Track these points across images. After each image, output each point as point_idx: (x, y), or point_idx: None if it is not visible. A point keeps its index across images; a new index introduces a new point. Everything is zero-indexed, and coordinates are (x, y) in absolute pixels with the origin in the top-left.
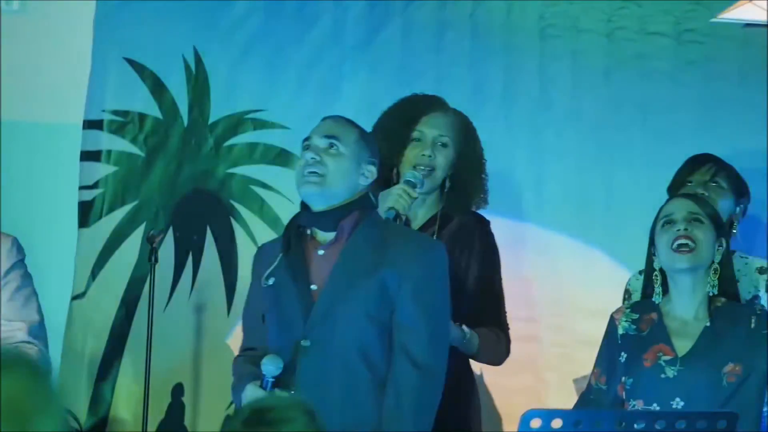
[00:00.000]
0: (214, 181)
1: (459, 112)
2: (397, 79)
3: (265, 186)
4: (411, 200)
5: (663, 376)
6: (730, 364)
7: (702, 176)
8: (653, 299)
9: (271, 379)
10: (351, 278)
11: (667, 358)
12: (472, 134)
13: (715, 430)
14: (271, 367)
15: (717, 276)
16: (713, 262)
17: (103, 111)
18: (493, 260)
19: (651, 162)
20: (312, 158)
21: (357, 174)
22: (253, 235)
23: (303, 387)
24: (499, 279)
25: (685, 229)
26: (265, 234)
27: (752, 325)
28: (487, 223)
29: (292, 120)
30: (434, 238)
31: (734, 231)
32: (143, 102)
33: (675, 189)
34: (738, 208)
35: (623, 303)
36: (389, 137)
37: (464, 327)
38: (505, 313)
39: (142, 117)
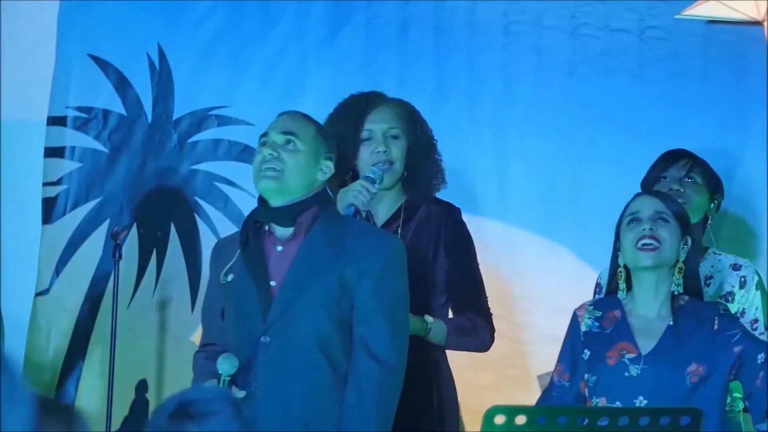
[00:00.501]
0: (178, 178)
1: (401, 101)
2: (361, 75)
3: (229, 182)
4: (370, 196)
5: (626, 374)
6: (694, 365)
7: (677, 171)
8: (618, 295)
9: (227, 378)
10: (310, 274)
11: (631, 356)
12: (419, 119)
13: (678, 426)
14: (226, 366)
15: (682, 274)
16: (678, 260)
17: (67, 107)
18: (467, 248)
19: (615, 158)
20: (269, 154)
21: (315, 169)
22: (217, 232)
23: (263, 383)
24: (476, 266)
25: (651, 229)
26: (230, 230)
27: (715, 327)
28: (458, 211)
29: (256, 116)
30: (399, 230)
31: (707, 228)
32: (107, 98)
33: (649, 184)
34: (712, 204)
35: (594, 297)
36: (339, 141)
37: (426, 317)
38: (486, 299)
39: (106, 113)
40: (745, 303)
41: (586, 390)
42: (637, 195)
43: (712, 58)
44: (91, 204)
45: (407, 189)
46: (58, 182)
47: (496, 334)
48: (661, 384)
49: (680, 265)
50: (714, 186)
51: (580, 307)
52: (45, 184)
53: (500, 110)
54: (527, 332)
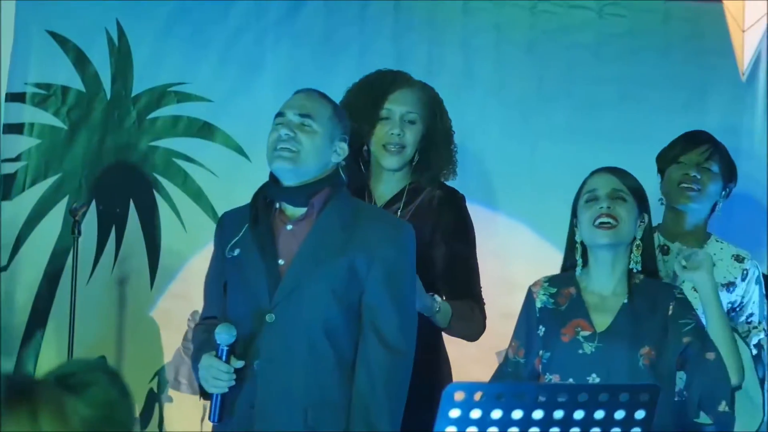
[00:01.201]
0: (137, 154)
1: (425, 85)
2: (320, 52)
3: (188, 159)
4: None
5: (580, 351)
6: (646, 347)
7: (697, 157)
8: (575, 271)
9: (225, 348)
10: (319, 256)
11: (586, 333)
12: (439, 106)
13: (637, 402)
14: (225, 335)
15: (640, 252)
16: (635, 238)
17: (26, 84)
18: (467, 235)
19: (574, 135)
20: (286, 134)
21: (330, 151)
22: (176, 208)
23: (266, 361)
24: (474, 254)
25: (608, 207)
26: (189, 207)
27: (669, 312)
28: (462, 197)
29: (216, 93)
30: (399, 212)
31: (717, 214)
32: (66, 75)
33: (665, 163)
34: (724, 192)
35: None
36: (357, 116)
37: (436, 297)
38: (480, 288)
39: (65, 90)
40: (744, 296)
41: (540, 366)
42: (595, 172)
43: (671, 35)
44: (50, 180)
45: (416, 172)
46: (17, 159)
47: None
48: (614, 363)
49: (638, 242)
50: (729, 174)
51: (535, 284)
52: (4, 161)
53: (460, 86)
54: (486, 309)
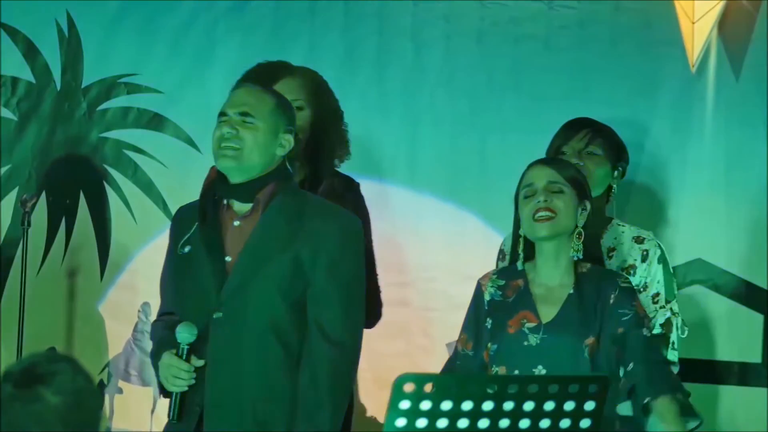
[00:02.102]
0: (87, 146)
1: (307, 71)
2: (271, 43)
3: (138, 150)
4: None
5: (526, 343)
6: (591, 338)
7: (577, 144)
8: (516, 264)
9: (186, 347)
10: (265, 252)
11: (531, 325)
12: (324, 88)
13: (587, 393)
14: (185, 334)
15: (581, 240)
16: (577, 226)
17: None
18: (364, 221)
19: (523, 126)
20: (228, 132)
21: (274, 145)
22: (126, 200)
23: (214, 359)
24: (370, 240)
25: (545, 201)
26: (139, 198)
27: (611, 301)
28: (357, 185)
29: (166, 84)
30: None
31: (611, 197)
32: (16, 66)
33: (551, 155)
34: (616, 172)
35: (497, 264)
36: None
37: None
38: (376, 275)
39: (14, 81)
40: (647, 277)
41: (488, 358)
42: (532, 165)
43: (621, 27)
44: (0, 171)
45: (309, 159)
46: None
47: (404, 303)
48: (559, 354)
49: (579, 230)
50: (616, 155)
51: (484, 276)
52: None
53: (409, 78)
54: (435, 300)
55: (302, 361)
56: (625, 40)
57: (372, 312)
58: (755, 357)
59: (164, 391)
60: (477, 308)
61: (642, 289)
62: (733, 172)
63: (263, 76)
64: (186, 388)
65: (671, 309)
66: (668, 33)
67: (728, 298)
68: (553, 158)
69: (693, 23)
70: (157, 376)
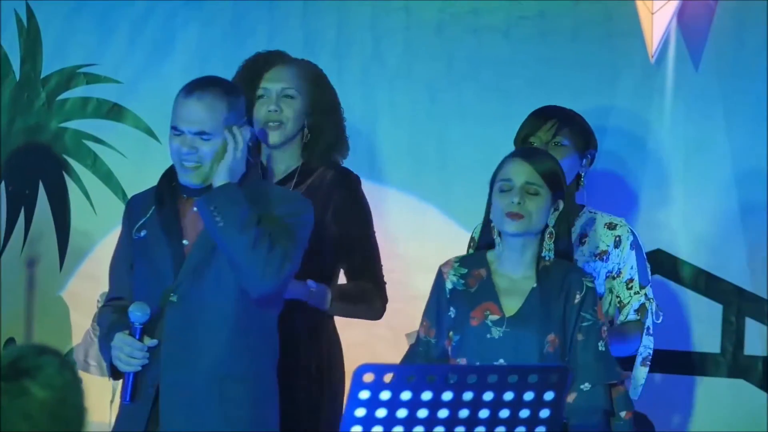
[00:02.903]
0: (46, 135)
1: (305, 62)
2: (230, 33)
3: (97, 140)
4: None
5: (488, 336)
6: (552, 334)
7: (544, 135)
8: (480, 252)
9: (139, 326)
10: None
11: (494, 318)
12: (322, 81)
13: (546, 383)
14: (138, 313)
15: (552, 239)
16: (548, 225)
17: None
18: (361, 216)
19: (484, 118)
20: (186, 152)
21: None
22: (85, 190)
23: (169, 340)
24: (370, 234)
25: (519, 203)
26: (98, 188)
27: (576, 300)
28: (355, 178)
29: (125, 74)
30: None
31: (580, 185)
32: None
33: (518, 145)
34: (584, 160)
35: (467, 252)
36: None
37: (309, 282)
38: (380, 267)
39: None
40: (620, 263)
41: (450, 348)
42: (512, 157)
43: (581, 18)
44: None
45: (307, 150)
46: None
47: None
48: (521, 348)
49: (550, 229)
50: (584, 143)
51: (446, 264)
52: None
53: (369, 68)
54: (395, 290)
55: None
56: (585, 31)
57: (378, 304)
58: (714, 347)
59: (116, 373)
60: (439, 296)
61: (615, 275)
62: (693, 162)
63: (256, 63)
64: (140, 368)
65: (645, 294)
66: (628, 24)
67: (687, 288)
68: (533, 150)
69: (652, 14)
70: (107, 359)
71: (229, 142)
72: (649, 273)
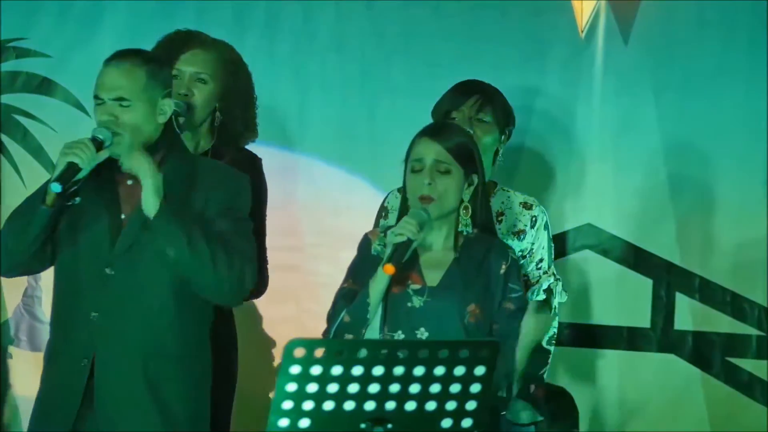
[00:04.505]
0: None
1: (223, 45)
2: (159, 8)
3: (27, 115)
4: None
5: (409, 304)
6: (473, 305)
7: (467, 110)
8: None
9: (101, 139)
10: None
11: (416, 287)
12: (238, 66)
13: (477, 358)
14: (107, 133)
15: (469, 214)
16: (462, 200)
17: None
18: (261, 198)
19: (413, 91)
20: (108, 120)
21: (154, 115)
22: (15, 164)
23: (104, 313)
24: (263, 217)
25: (429, 184)
26: (28, 163)
27: (502, 270)
28: (259, 160)
29: (54, 48)
30: None
31: (497, 161)
32: None
33: (437, 119)
34: (503, 136)
35: (379, 220)
36: None
37: None
38: (265, 250)
39: None
40: (533, 243)
41: None
42: (421, 136)
43: None
44: None
45: (218, 134)
46: None
47: (293, 268)
48: (442, 318)
49: (465, 204)
50: (504, 120)
51: (372, 232)
52: None
53: (299, 43)
54: (325, 264)
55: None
56: (514, 5)
57: (261, 282)
58: (644, 322)
59: (63, 176)
60: (365, 257)
61: (527, 255)
62: (622, 137)
63: (172, 44)
64: (82, 160)
65: (554, 274)
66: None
67: (617, 262)
68: (442, 126)
69: None
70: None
71: (140, 171)
72: (553, 253)
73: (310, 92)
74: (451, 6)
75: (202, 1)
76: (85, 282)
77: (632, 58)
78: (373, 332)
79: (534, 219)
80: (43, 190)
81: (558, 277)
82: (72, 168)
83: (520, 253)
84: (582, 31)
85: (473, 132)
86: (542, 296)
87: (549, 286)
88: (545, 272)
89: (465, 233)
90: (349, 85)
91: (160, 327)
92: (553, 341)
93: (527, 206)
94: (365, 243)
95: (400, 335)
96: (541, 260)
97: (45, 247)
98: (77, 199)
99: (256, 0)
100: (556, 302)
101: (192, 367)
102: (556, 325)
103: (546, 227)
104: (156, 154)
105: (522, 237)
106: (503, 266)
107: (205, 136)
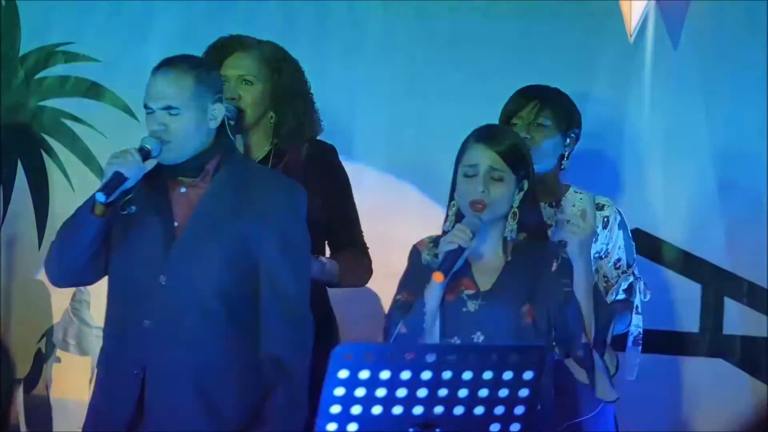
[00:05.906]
0: (25, 114)
1: (265, 45)
2: (209, 12)
3: (76, 119)
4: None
5: (464, 309)
6: (528, 305)
7: (526, 115)
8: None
9: (149, 148)
10: (213, 221)
11: (470, 292)
12: (282, 63)
13: (525, 363)
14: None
15: (516, 220)
16: (512, 206)
17: None
18: (338, 184)
19: (463, 97)
20: (158, 129)
21: (205, 121)
22: (64, 169)
23: (157, 322)
24: (350, 202)
25: (483, 191)
26: (78, 168)
27: (553, 268)
28: (331, 149)
29: (103, 53)
30: None
31: (564, 165)
32: None
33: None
34: (568, 139)
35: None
36: None
37: (321, 258)
38: (362, 233)
39: None
40: (608, 243)
41: None
42: (475, 142)
43: None
44: None
45: (276, 133)
46: None
47: None
48: (498, 321)
49: (514, 210)
50: (566, 123)
51: (420, 243)
52: None
53: (349, 47)
54: (375, 270)
55: (262, 337)
56: (563, 10)
57: (362, 270)
58: (693, 327)
59: (109, 185)
60: (416, 268)
61: (603, 256)
62: (672, 142)
63: (215, 52)
64: (130, 172)
65: (633, 273)
66: (606, 3)
67: (667, 268)
68: (495, 131)
69: None
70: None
71: None
72: (635, 251)
73: (358, 97)
74: (501, 9)
75: (252, 1)
76: (139, 290)
77: (682, 61)
78: (433, 341)
79: (606, 219)
80: (93, 200)
81: (638, 276)
82: (118, 178)
83: (597, 255)
84: (631, 36)
85: (532, 137)
86: (622, 296)
87: (629, 284)
88: (624, 272)
89: (509, 239)
90: (397, 90)
91: (211, 337)
92: (640, 341)
93: (599, 207)
94: (415, 254)
95: (456, 341)
96: (618, 260)
97: (98, 258)
98: (133, 207)
99: (306, 5)
100: (637, 301)
101: (243, 376)
102: (641, 324)
103: (621, 226)
104: (212, 160)
105: (595, 239)
106: (555, 264)
107: (264, 138)
